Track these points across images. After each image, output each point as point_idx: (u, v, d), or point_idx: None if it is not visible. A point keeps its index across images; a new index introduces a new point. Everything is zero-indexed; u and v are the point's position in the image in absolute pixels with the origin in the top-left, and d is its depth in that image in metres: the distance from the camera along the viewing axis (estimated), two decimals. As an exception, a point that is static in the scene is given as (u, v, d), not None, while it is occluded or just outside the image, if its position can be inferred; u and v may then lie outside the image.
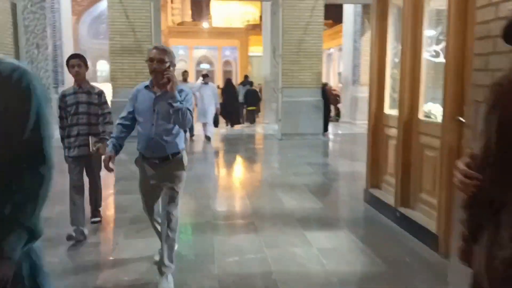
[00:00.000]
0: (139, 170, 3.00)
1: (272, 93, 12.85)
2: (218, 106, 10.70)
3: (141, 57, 9.13)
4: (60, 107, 3.84)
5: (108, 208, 4.82)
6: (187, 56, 27.91)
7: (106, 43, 10.87)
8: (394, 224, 4.15)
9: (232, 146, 10.32)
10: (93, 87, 3.90)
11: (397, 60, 4.46)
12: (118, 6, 10.04)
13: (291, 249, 3.57)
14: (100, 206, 4.27)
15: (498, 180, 1.20)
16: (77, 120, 3.79)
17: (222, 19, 24.34)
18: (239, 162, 8.40)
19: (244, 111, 14.43)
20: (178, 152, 2.90)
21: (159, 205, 3.11)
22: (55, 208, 4.39)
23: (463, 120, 3.15)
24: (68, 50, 12.40)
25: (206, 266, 3.26)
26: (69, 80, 10.80)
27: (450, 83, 3.28)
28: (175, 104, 2.64)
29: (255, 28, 24.11)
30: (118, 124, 2.96)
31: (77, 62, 3.75)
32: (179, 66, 27.05)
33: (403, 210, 4.07)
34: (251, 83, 15.12)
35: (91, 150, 3.80)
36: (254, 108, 14.46)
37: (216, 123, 10.90)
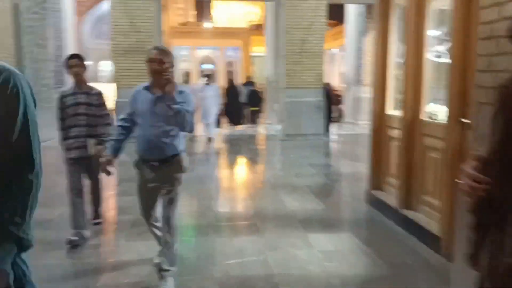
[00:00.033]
0: (138, 173, 2.94)
1: (274, 93, 12.83)
2: (220, 106, 10.69)
3: (143, 58, 9.09)
4: (59, 109, 3.76)
5: (110, 209, 4.80)
6: (190, 56, 27.92)
7: (109, 44, 10.88)
8: (396, 226, 4.12)
9: (234, 146, 10.30)
10: (92, 88, 3.82)
11: (400, 60, 4.43)
12: (121, 7, 10.05)
13: (293, 251, 3.55)
14: (101, 207, 4.24)
15: (506, 182, 1.17)
16: (76, 121, 3.71)
17: (224, 19, 24.31)
18: (241, 163, 8.38)
19: (246, 111, 14.42)
20: (178, 154, 2.86)
21: (156, 210, 3.04)
22: (55, 210, 4.38)
23: (467, 121, 3.12)
24: (70, 50, 12.37)
25: (207, 268, 3.24)
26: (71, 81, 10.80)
27: (454, 84, 3.25)
28: (174, 106, 2.60)
29: (257, 28, 24.08)
30: (118, 126, 2.92)
31: (76, 62, 3.69)
32: (182, 66, 27.11)
33: (405, 211, 4.04)
34: (253, 84, 15.10)
35: (90, 153, 3.72)
36: (256, 108, 14.44)
37: (218, 124, 10.89)
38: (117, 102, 9.97)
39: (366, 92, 12.03)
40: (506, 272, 1.16)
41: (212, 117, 10.41)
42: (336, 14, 16.00)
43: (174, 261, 2.96)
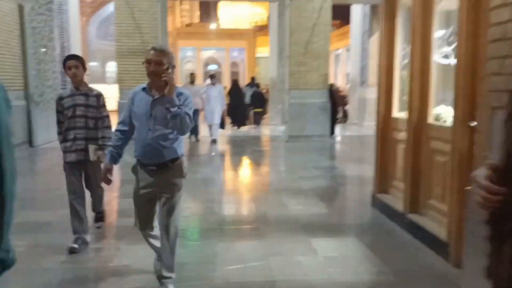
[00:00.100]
0: (135, 179, 2.80)
1: (278, 94, 12.76)
2: (225, 107, 10.65)
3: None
4: (57, 111, 3.66)
5: (111, 212, 4.75)
6: (195, 57, 27.97)
7: (115, 45, 10.90)
8: (402, 231, 4.02)
9: (238, 148, 10.24)
10: (91, 89, 3.72)
11: (406, 61, 4.35)
12: (125, 8, 10.04)
13: (296, 257, 3.47)
14: (102, 210, 4.19)
15: None
16: (74, 123, 3.60)
17: (229, 20, 24.31)
18: (244, 165, 8.31)
19: (251, 112, 14.37)
20: (177, 158, 2.73)
21: (153, 220, 2.92)
22: (56, 212, 4.34)
23: (475, 124, 3.03)
24: (76, 51, 12.41)
25: (208, 274, 3.17)
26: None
27: (462, 87, 3.16)
28: (172, 109, 2.50)
29: (262, 29, 24.04)
30: (116, 130, 2.81)
31: (74, 63, 3.58)
32: (187, 67, 27.13)
33: (412, 216, 3.95)
34: (257, 85, 15.05)
35: (91, 159, 3.63)
36: (260, 109, 14.38)
37: (222, 125, 10.84)
38: (119, 104, 9.98)
39: (372, 93, 11.92)
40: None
41: (217, 118, 10.35)
42: (341, 15, 15.92)
43: (173, 268, 2.87)
